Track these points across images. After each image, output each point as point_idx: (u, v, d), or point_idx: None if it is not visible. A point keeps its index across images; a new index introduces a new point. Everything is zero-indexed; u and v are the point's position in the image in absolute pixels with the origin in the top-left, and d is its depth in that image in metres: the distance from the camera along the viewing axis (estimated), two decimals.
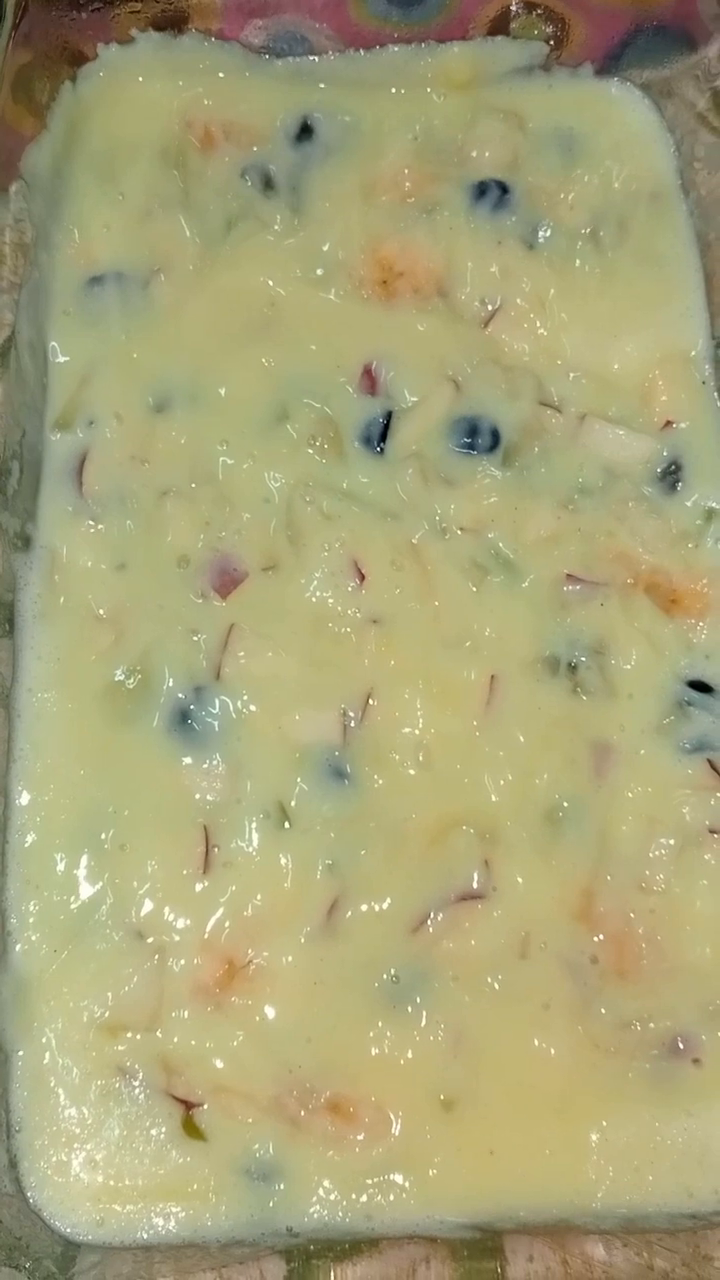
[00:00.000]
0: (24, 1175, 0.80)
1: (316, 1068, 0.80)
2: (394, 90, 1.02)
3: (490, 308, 0.96)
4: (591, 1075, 0.80)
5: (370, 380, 0.93)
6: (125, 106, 1.00)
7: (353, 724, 0.86)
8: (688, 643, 0.89)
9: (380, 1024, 0.80)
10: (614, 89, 1.03)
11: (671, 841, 0.84)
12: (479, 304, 0.96)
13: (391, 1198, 0.78)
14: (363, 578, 0.89)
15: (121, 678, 0.87)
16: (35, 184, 0.95)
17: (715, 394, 0.95)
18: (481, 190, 0.98)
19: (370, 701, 0.86)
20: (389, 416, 0.92)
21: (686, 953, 0.82)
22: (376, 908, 0.83)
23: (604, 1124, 0.79)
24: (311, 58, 1.02)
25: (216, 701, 0.87)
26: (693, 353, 0.96)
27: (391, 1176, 0.78)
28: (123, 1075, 0.81)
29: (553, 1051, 0.80)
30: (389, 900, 0.83)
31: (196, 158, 0.99)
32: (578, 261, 0.97)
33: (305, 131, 1.00)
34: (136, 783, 0.86)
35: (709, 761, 0.86)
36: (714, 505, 0.92)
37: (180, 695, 0.87)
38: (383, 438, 0.92)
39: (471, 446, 0.92)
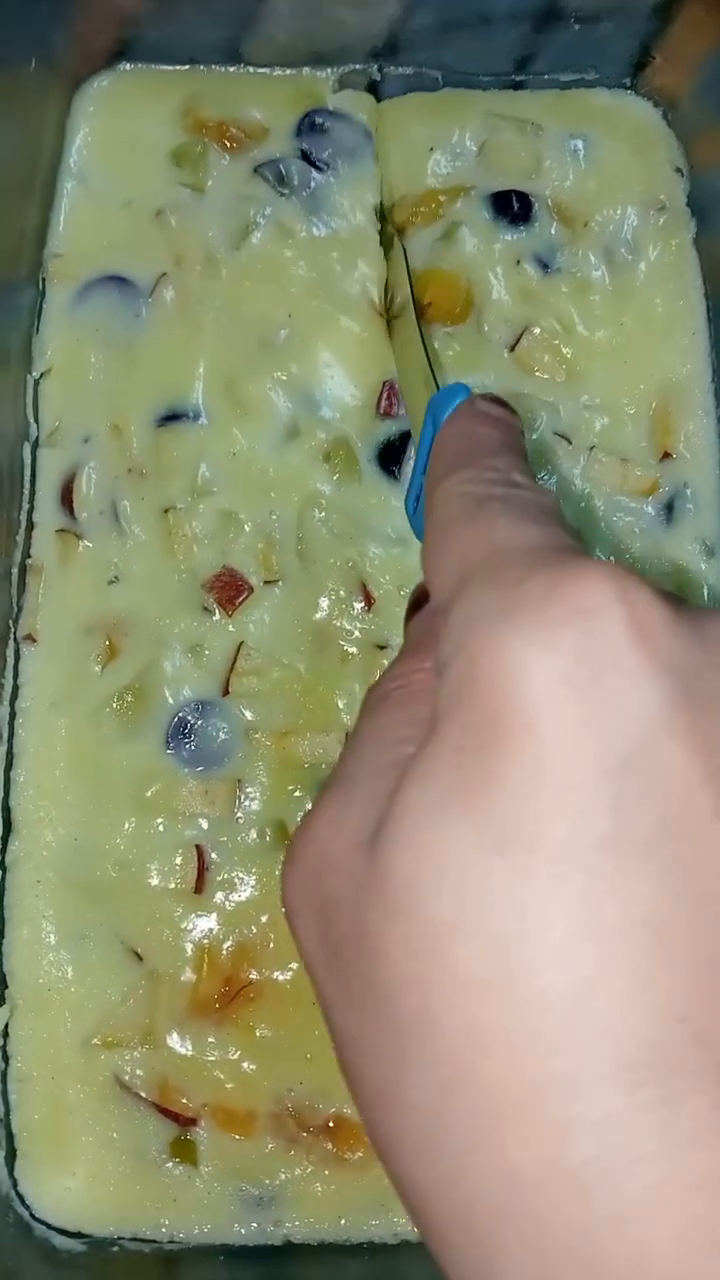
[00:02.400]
0: (11, 1191, 0.82)
1: (316, 1087, 0.83)
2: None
3: (515, 331, 0.96)
4: None
5: (389, 401, 0.93)
6: (127, 102, 0.98)
7: None
8: None
9: None
10: (627, 98, 1.04)
11: None
12: (505, 327, 0.96)
13: (388, 1212, 0.82)
14: (370, 601, 0.90)
15: (119, 694, 0.88)
16: (35, 186, 0.92)
17: (718, 425, 0.98)
18: (504, 203, 0.98)
19: None
20: (405, 439, 0.93)
21: None
22: None
23: None
24: None
25: (217, 718, 0.88)
26: (697, 384, 0.98)
27: (387, 1191, 0.82)
28: (117, 1091, 0.83)
29: None
30: None
31: (206, 156, 0.97)
32: (594, 283, 0.98)
33: (318, 130, 0.98)
34: (133, 800, 0.87)
35: None
36: (710, 540, 0.95)
37: (180, 712, 0.88)
38: (397, 460, 0.93)
39: None
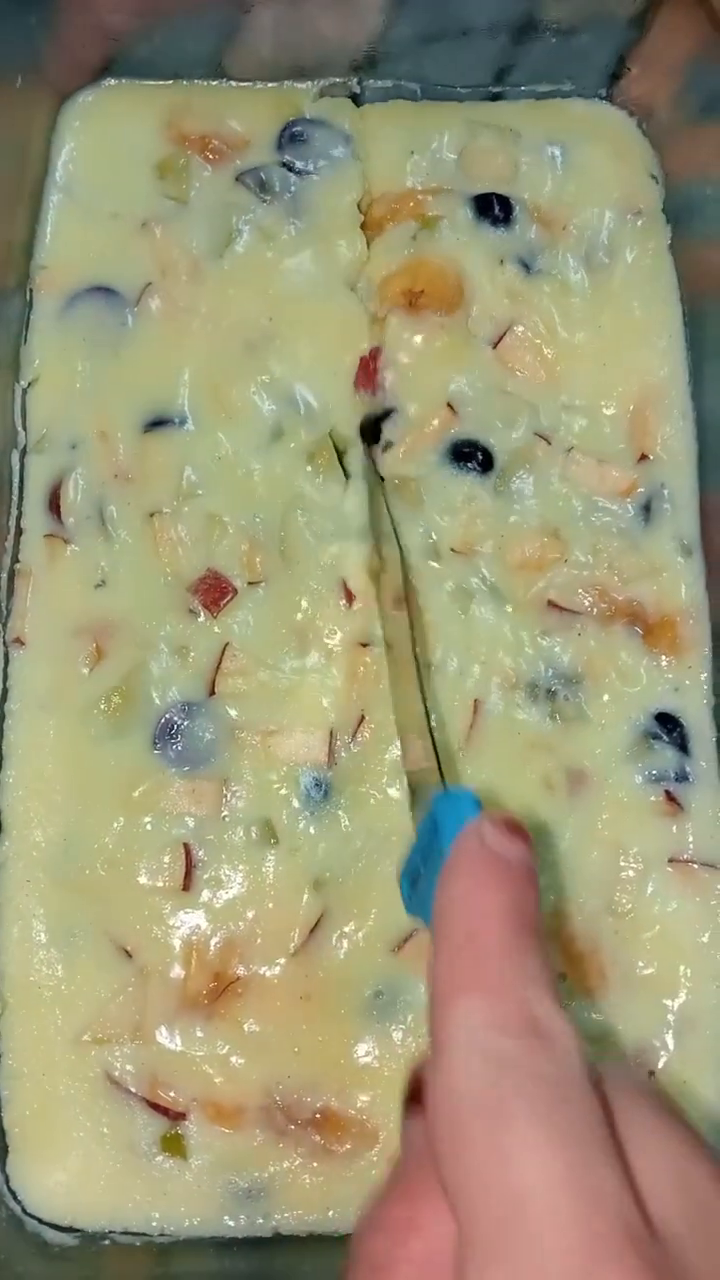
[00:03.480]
0: (2, 1186, 0.83)
1: (304, 1081, 0.84)
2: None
3: (500, 328, 0.98)
4: None
5: (365, 377, 0.95)
6: (112, 116, 1.00)
7: (340, 745, 0.89)
8: (658, 675, 0.93)
9: (367, 1037, 0.84)
10: (603, 108, 1.06)
11: (638, 866, 0.89)
12: (490, 323, 0.98)
13: None
14: (351, 598, 0.91)
15: (107, 695, 0.89)
16: (22, 199, 0.94)
17: (694, 427, 0.99)
18: (484, 205, 1.00)
19: (360, 723, 0.89)
20: (380, 427, 0.95)
21: (646, 972, 0.88)
22: (361, 925, 0.86)
23: None
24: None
25: (202, 719, 0.89)
26: (674, 386, 0.99)
27: (375, 1182, 0.82)
28: (107, 1087, 0.84)
29: None
30: (373, 918, 0.86)
31: (189, 168, 0.99)
32: (573, 285, 0.99)
33: (299, 139, 1.00)
34: (121, 800, 0.88)
35: (667, 792, 0.91)
36: (688, 540, 0.96)
37: (166, 713, 0.89)
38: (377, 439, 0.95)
39: (465, 470, 0.95)
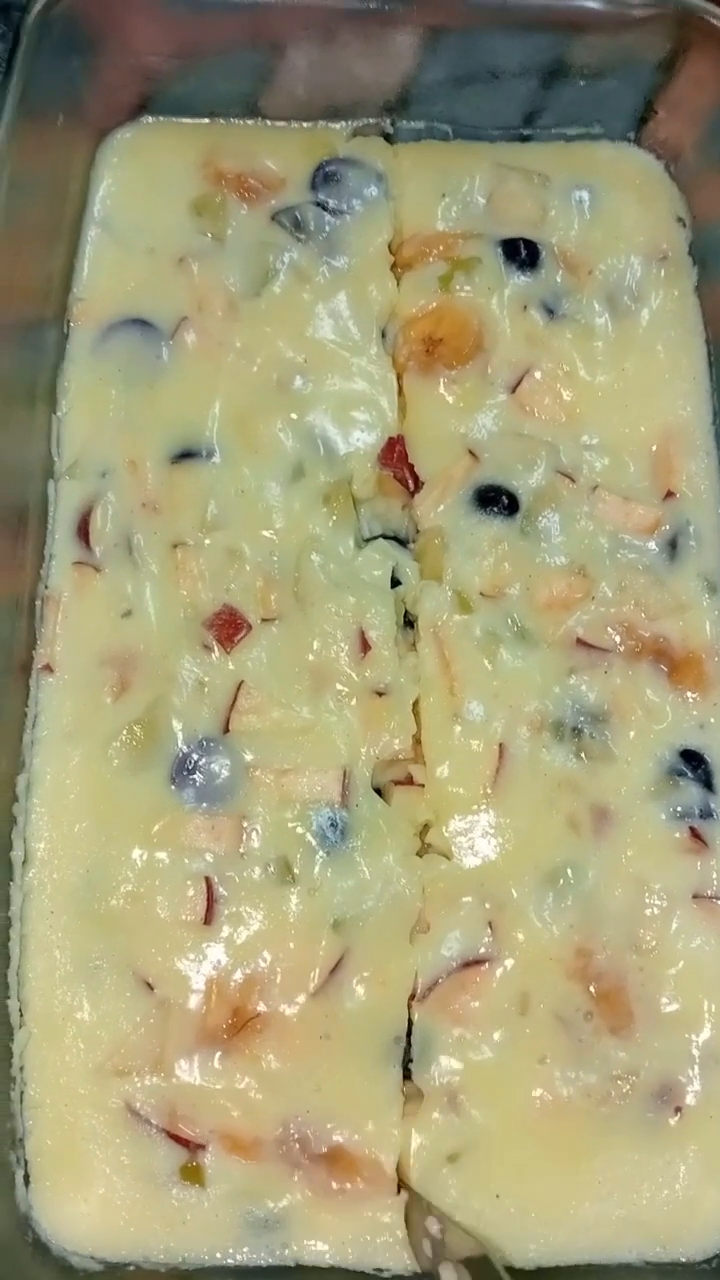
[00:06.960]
0: (29, 1212, 0.80)
1: (322, 1117, 0.80)
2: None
3: (517, 374, 0.95)
4: (585, 1123, 0.82)
5: (393, 455, 0.93)
6: (150, 153, 0.98)
7: (357, 786, 0.86)
8: (683, 712, 0.89)
9: (386, 1079, 0.81)
10: (630, 150, 1.04)
11: (662, 903, 0.85)
12: (508, 369, 0.95)
13: (395, 1243, 0.80)
14: (367, 648, 0.88)
15: (129, 727, 0.86)
16: (61, 233, 0.93)
17: (719, 466, 0.96)
18: (512, 250, 0.97)
19: (375, 765, 0.87)
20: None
21: (670, 1008, 0.84)
22: (383, 971, 0.83)
23: (596, 1169, 0.81)
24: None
25: (219, 755, 0.86)
26: (698, 425, 0.97)
27: (397, 1222, 0.80)
28: (127, 1118, 0.80)
29: (550, 1100, 0.82)
30: (394, 965, 0.83)
31: (226, 205, 0.97)
32: (597, 329, 0.97)
33: (332, 180, 0.98)
34: (142, 833, 0.84)
35: (692, 829, 0.88)
36: (712, 576, 0.93)
37: (185, 748, 0.86)
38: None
39: (491, 514, 0.92)
